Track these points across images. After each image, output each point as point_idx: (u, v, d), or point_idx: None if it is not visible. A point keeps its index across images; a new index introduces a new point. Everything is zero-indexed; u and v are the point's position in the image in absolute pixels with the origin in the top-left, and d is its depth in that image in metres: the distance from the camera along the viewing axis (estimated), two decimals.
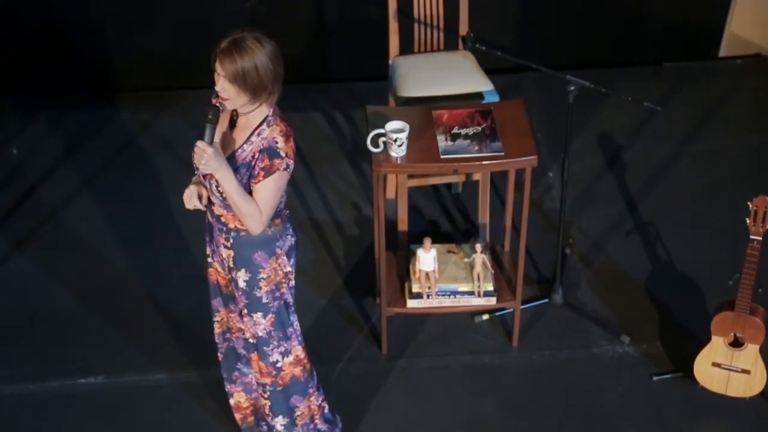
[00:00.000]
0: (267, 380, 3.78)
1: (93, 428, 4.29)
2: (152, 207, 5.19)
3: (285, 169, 3.39)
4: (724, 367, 4.21)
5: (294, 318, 3.74)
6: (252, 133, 3.40)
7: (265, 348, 3.71)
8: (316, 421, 3.99)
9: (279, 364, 3.75)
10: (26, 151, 5.53)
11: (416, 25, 4.99)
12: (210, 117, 3.32)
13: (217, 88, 3.30)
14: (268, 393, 3.82)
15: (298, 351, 3.79)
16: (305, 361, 3.83)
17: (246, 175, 3.40)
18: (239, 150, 3.42)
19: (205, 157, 3.28)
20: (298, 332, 3.77)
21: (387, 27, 4.99)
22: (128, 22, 5.70)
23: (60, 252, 4.98)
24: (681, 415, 4.30)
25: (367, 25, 5.70)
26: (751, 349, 4.14)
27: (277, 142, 3.38)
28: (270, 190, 3.40)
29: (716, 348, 4.18)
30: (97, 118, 5.71)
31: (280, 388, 3.81)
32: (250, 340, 3.72)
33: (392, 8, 4.94)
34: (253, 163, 3.39)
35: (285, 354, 3.75)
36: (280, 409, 3.86)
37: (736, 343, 4.16)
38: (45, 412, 4.34)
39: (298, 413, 3.90)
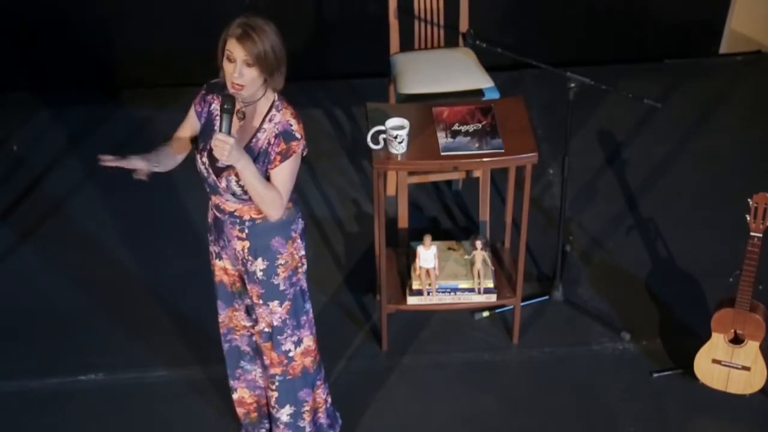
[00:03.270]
0: (278, 369, 3.79)
1: (94, 425, 4.29)
2: (154, 202, 5.19)
3: (301, 151, 3.41)
4: (724, 364, 4.21)
5: (308, 305, 3.75)
6: (263, 121, 3.40)
7: (279, 337, 3.71)
8: (319, 414, 4.00)
9: (291, 354, 3.76)
10: (28, 146, 5.53)
11: (416, 22, 4.99)
12: (227, 107, 3.26)
13: (235, 74, 3.25)
14: (277, 383, 3.82)
15: (309, 341, 3.79)
16: (315, 352, 3.84)
17: (265, 163, 3.39)
18: (253, 140, 3.40)
19: (227, 148, 3.23)
20: (312, 321, 3.78)
21: (387, 24, 4.99)
22: (129, 18, 5.71)
23: (61, 248, 4.99)
24: (681, 411, 4.30)
25: (367, 21, 5.70)
26: (751, 346, 4.14)
27: (291, 125, 3.38)
28: (288, 173, 3.40)
29: (716, 345, 4.18)
30: (98, 114, 5.71)
31: (290, 378, 3.81)
32: (266, 329, 3.72)
33: (392, 5, 4.94)
34: (269, 149, 3.39)
35: (297, 343, 3.76)
36: (288, 400, 3.86)
37: (737, 340, 4.16)
38: (46, 408, 4.34)
39: (305, 405, 3.90)
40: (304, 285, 3.71)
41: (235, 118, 3.39)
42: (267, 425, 4.10)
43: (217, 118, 3.39)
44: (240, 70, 3.25)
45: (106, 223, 5.11)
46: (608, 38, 5.97)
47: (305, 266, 3.69)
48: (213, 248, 3.73)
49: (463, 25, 5.03)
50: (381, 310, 4.45)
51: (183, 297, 4.73)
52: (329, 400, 4.03)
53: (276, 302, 3.65)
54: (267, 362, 3.81)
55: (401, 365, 4.50)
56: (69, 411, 4.33)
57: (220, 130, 3.27)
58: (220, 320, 3.89)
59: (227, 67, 3.28)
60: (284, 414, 3.88)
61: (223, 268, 3.74)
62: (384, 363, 4.51)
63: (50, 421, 4.30)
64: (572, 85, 4.22)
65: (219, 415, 4.27)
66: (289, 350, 3.75)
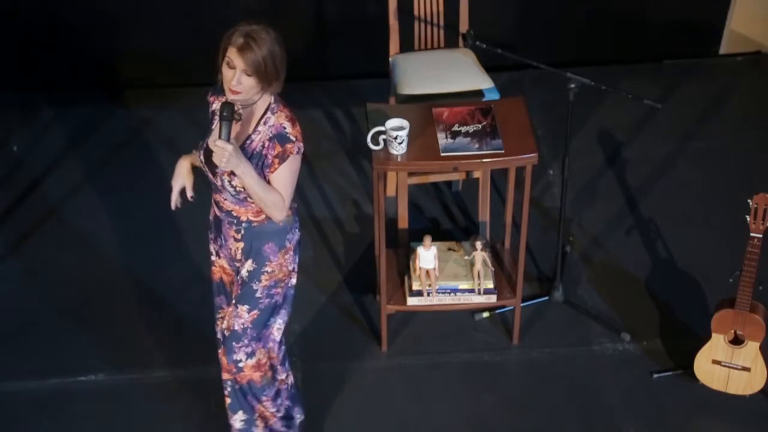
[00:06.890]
0: (227, 376, 3.79)
1: (93, 425, 4.29)
2: (153, 203, 5.18)
3: (297, 152, 3.43)
4: (724, 365, 4.21)
5: (273, 321, 3.73)
6: (258, 123, 3.43)
7: (234, 344, 3.70)
8: (271, 422, 3.98)
9: (241, 364, 3.75)
10: (27, 147, 5.53)
11: (416, 23, 4.99)
12: (225, 114, 3.32)
13: (233, 82, 3.30)
14: (229, 389, 3.82)
15: (261, 355, 3.77)
16: (266, 368, 3.81)
17: (259, 165, 3.42)
18: (248, 141, 3.44)
19: (226, 155, 3.30)
20: (272, 338, 3.77)
21: (387, 24, 4.99)
22: (129, 19, 5.70)
23: (60, 249, 4.99)
24: (681, 412, 4.30)
25: (367, 22, 5.70)
26: (752, 347, 4.14)
27: (285, 128, 3.41)
28: (287, 175, 3.44)
29: (716, 345, 4.18)
30: (98, 115, 5.71)
31: (238, 387, 3.82)
32: (225, 332, 3.72)
33: (393, 5, 4.94)
34: (264, 152, 3.41)
35: (250, 355, 3.74)
36: (240, 406, 3.86)
37: (737, 341, 4.16)
38: (45, 409, 4.34)
39: (257, 414, 3.91)
40: (280, 300, 3.70)
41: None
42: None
43: (216, 117, 3.44)
44: (239, 78, 3.30)
45: (105, 223, 5.11)
46: (608, 38, 5.97)
47: (293, 280, 3.69)
48: (212, 246, 3.74)
49: (463, 25, 5.03)
50: (381, 310, 4.45)
51: (182, 298, 4.73)
52: (281, 411, 3.98)
53: (246, 307, 3.65)
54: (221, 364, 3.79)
55: (401, 366, 4.50)
56: (69, 411, 4.33)
57: (219, 137, 3.32)
58: (220, 316, 3.89)
59: (226, 72, 3.33)
60: (237, 420, 3.89)
61: (222, 267, 3.75)
62: (384, 363, 4.51)
63: (50, 421, 4.30)
64: (572, 85, 4.22)
65: (216, 415, 4.26)
66: (240, 360, 3.73)
